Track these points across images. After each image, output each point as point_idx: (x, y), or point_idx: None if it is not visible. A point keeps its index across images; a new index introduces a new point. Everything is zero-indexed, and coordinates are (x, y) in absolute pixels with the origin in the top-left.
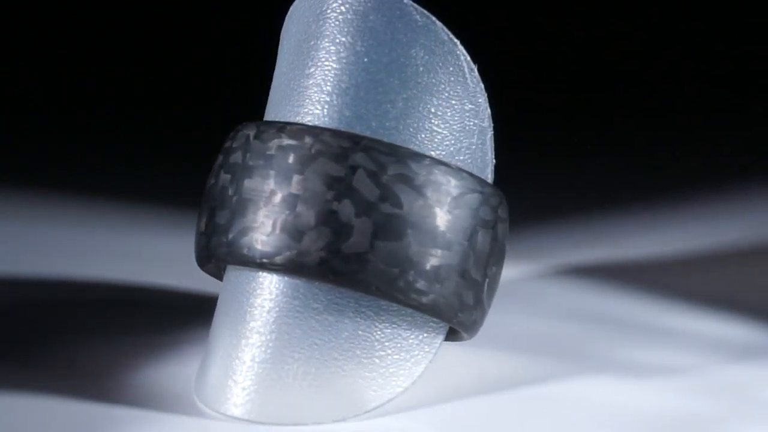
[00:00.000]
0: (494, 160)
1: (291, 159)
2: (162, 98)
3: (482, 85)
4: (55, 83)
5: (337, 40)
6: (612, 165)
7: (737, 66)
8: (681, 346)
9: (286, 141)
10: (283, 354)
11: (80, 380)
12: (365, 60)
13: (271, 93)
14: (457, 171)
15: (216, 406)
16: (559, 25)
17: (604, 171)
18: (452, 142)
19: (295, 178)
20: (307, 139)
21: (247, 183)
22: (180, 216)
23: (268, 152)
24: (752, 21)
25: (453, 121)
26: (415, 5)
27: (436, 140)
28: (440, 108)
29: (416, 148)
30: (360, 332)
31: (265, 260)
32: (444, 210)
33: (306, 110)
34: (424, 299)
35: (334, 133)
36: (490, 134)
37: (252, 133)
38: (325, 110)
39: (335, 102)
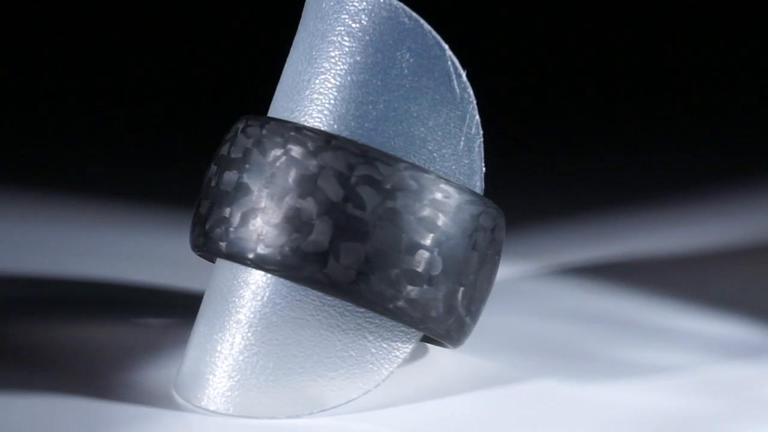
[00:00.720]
0: (484, 168)
1: (265, 154)
2: (162, 98)
3: (471, 91)
4: (55, 83)
5: (330, 39)
6: (611, 165)
7: (737, 66)
8: (680, 345)
9: (265, 136)
10: (244, 347)
11: (80, 380)
12: (351, 60)
13: (277, 86)
14: (434, 177)
15: (187, 396)
16: (558, 25)
17: (603, 171)
18: (435, 147)
19: (267, 173)
20: (283, 136)
21: (227, 175)
22: (180, 216)
23: (247, 146)
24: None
25: (437, 127)
26: (405, 8)
27: (415, 144)
28: (423, 113)
29: (394, 152)
30: (322, 331)
31: (232, 252)
32: (413, 215)
33: (294, 106)
34: (388, 304)
35: (309, 131)
36: (478, 141)
37: (241, 126)
38: (309, 108)
39: (319, 101)
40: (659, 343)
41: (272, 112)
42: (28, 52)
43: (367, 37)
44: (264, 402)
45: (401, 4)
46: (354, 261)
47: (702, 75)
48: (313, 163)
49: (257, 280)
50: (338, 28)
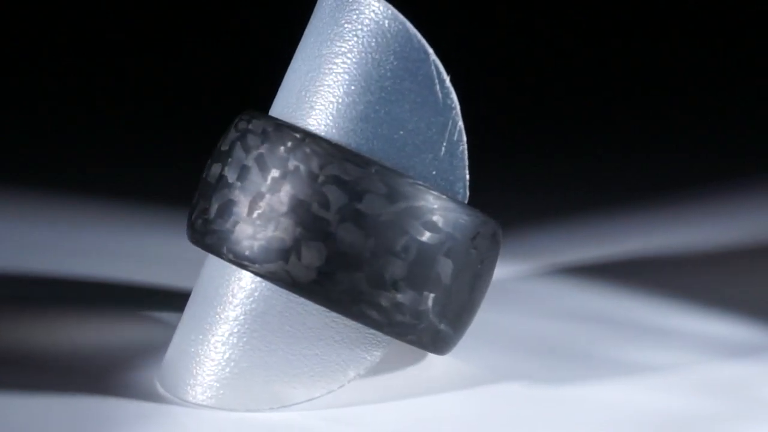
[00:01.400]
0: (468, 176)
1: (246, 149)
2: (162, 98)
3: (454, 97)
4: (55, 83)
5: (323, 38)
6: (610, 165)
7: (735, 66)
8: (679, 345)
9: (249, 131)
10: (209, 340)
11: (80, 380)
12: (336, 60)
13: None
14: (408, 182)
15: (166, 387)
16: (556, 25)
17: (602, 171)
18: (414, 152)
19: (243, 167)
20: (264, 132)
21: (213, 168)
22: (180, 216)
23: (233, 140)
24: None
25: (417, 131)
26: (393, 9)
27: (394, 148)
28: (404, 116)
29: (371, 154)
30: (288, 328)
31: (208, 243)
32: (380, 219)
33: (284, 103)
34: (350, 306)
35: (286, 128)
36: (461, 148)
37: (236, 120)
38: (294, 106)
39: (304, 98)
40: (658, 342)
41: (272, 108)
42: (28, 52)
43: (354, 38)
44: (227, 394)
45: (389, 6)
46: (316, 260)
47: (700, 75)
48: (286, 160)
49: (224, 273)
50: (330, 28)
